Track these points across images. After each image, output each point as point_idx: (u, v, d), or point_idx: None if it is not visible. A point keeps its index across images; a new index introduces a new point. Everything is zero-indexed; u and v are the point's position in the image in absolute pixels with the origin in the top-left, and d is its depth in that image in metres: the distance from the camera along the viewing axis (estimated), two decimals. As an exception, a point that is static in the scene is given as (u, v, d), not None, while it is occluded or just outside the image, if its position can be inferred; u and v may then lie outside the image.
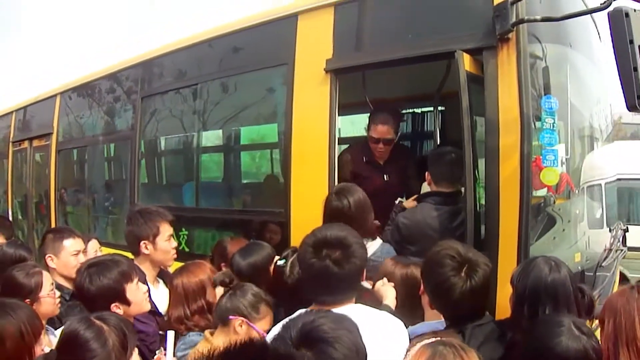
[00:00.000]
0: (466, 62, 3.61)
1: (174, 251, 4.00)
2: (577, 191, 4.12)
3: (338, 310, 2.36)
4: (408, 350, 2.16)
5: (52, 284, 3.55)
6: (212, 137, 5.94)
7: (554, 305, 2.64)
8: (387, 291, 3.34)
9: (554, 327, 2.37)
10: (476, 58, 3.70)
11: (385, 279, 3.44)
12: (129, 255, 3.83)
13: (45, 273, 3.54)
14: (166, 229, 3.93)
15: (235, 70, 5.29)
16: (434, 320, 3.06)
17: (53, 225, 8.25)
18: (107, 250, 4.87)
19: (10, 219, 10.08)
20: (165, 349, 2.87)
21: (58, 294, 3.58)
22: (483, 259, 2.89)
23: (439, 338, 2.14)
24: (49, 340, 3.24)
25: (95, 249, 4.88)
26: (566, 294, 2.69)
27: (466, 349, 2.03)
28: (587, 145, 4.50)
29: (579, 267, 3.89)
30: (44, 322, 3.29)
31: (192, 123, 5.82)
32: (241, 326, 2.97)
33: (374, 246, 3.81)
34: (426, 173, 4.21)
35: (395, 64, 4.14)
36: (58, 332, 3.04)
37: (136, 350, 2.48)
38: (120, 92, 6.95)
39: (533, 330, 2.48)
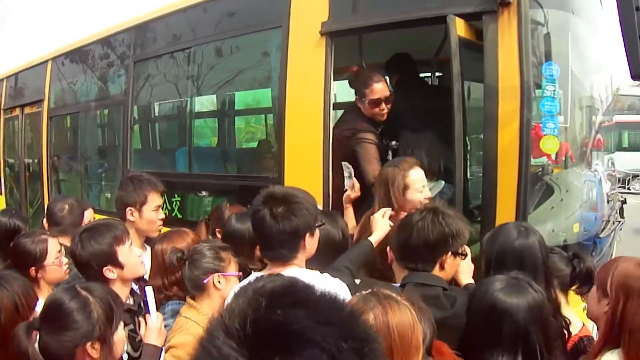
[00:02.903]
0: (459, 27, 3.56)
1: (160, 222, 3.93)
2: (576, 161, 4.06)
3: (282, 272, 2.47)
4: None
5: (59, 251, 3.46)
6: (204, 101, 5.89)
7: (519, 270, 2.52)
8: (379, 226, 3.32)
9: (490, 284, 2.32)
10: (475, 23, 3.64)
11: (388, 212, 3.40)
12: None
13: (51, 240, 3.45)
14: (154, 199, 3.88)
15: (228, 34, 5.17)
16: None
17: (45, 194, 8.20)
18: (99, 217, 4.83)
19: (2, 187, 10.04)
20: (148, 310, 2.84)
21: (66, 260, 3.46)
22: (457, 220, 2.82)
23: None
24: None
25: (89, 219, 4.82)
26: (533, 260, 2.63)
27: (394, 301, 1.93)
28: (588, 115, 4.44)
29: (578, 238, 3.85)
30: (52, 287, 3.28)
31: (185, 88, 5.73)
32: (219, 281, 2.96)
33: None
34: None
35: (390, 27, 4.06)
36: None
37: (122, 324, 2.44)
38: (112, 57, 6.83)
39: (472, 296, 2.45)
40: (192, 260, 2.99)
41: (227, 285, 2.96)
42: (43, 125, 8.33)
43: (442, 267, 2.80)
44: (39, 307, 2.64)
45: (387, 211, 3.41)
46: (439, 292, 2.69)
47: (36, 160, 8.72)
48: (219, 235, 3.93)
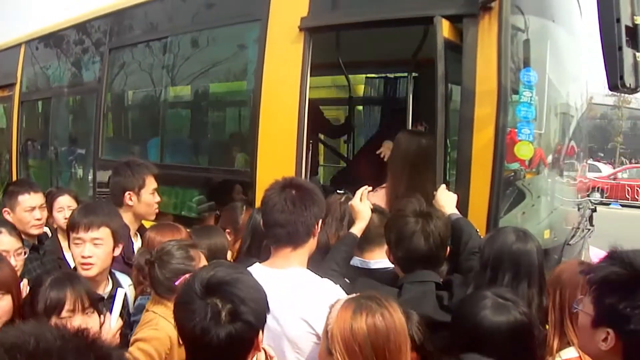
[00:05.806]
0: (445, 29, 3.53)
1: (157, 205, 4.05)
2: (549, 167, 4.07)
3: (284, 271, 2.58)
4: (331, 307, 2.13)
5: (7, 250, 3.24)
6: (180, 92, 5.79)
7: (514, 274, 2.63)
8: (359, 213, 3.26)
9: (477, 302, 2.32)
10: (456, 25, 3.61)
11: (365, 192, 3.37)
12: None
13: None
14: (152, 182, 3.99)
15: (207, 25, 5.12)
16: None
17: (14, 179, 8.02)
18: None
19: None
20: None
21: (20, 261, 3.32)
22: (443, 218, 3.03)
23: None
24: None
25: (68, 205, 4.63)
26: (529, 265, 2.67)
27: (388, 301, 2.06)
28: (562, 123, 4.45)
29: (548, 244, 3.85)
30: None
31: (160, 77, 5.64)
32: None
33: None
34: None
35: (372, 25, 4.05)
36: None
37: None
38: (87, 43, 6.70)
39: (459, 309, 2.46)
40: (161, 261, 2.83)
41: None
42: (14, 110, 8.16)
43: None
44: None
45: (364, 191, 3.36)
46: (433, 287, 2.79)
47: (6, 145, 8.53)
48: (228, 237, 3.81)
